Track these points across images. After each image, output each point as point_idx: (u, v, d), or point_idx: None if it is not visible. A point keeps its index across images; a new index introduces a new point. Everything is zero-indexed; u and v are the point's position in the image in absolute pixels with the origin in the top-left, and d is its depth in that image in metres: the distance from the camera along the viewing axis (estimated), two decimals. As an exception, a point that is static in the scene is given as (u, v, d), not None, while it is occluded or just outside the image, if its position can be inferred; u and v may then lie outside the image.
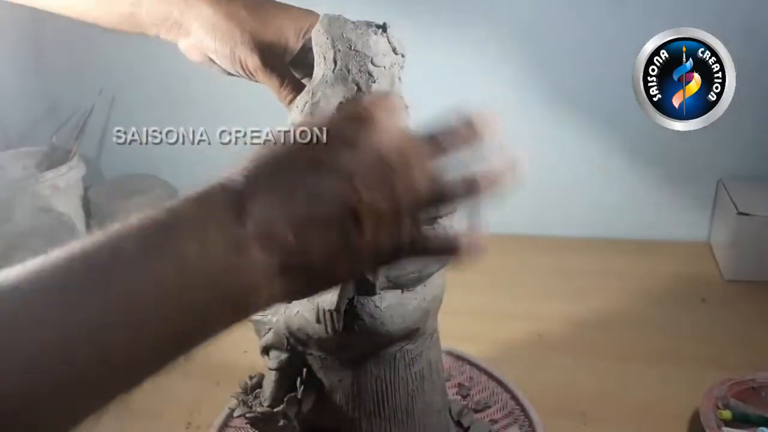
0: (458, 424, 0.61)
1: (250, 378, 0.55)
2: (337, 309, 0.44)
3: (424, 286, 0.49)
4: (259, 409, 0.50)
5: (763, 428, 0.57)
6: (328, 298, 0.45)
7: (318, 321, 0.46)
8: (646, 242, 0.95)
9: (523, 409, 0.62)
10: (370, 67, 0.49)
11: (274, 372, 0.51)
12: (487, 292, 0.85)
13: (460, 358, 0.70)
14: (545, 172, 0.97)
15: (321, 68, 0.47)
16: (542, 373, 0.69)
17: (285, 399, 0.50)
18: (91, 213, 1.01)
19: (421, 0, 0.92)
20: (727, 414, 0.58)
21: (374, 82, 0.48)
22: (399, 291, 0.47)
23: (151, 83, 1.05)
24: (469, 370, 0.69)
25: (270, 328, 0.50)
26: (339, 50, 0.47)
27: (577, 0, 0.88)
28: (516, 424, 0.61)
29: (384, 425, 0.51)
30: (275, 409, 0.50)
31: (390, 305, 0.47)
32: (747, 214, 0.81)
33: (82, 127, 1.02)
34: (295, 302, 0.49)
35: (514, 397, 0.64)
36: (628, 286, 0.84)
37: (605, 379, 0.68)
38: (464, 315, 0.75)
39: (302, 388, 0.50)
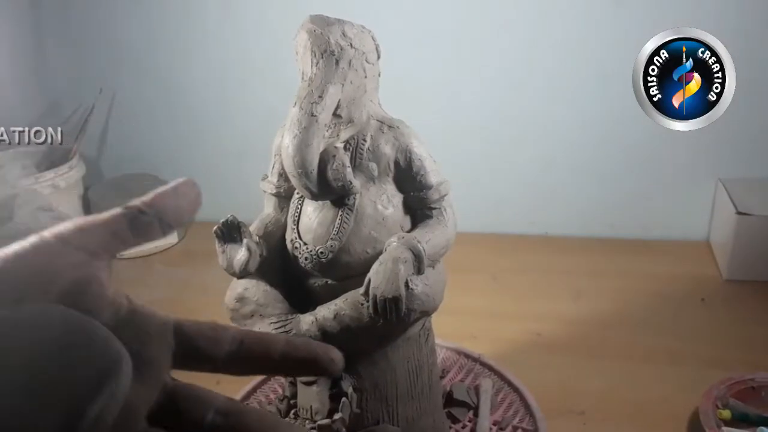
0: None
1: (280, 401, 0.56)
2: (400, 295, 0.45)
3: (433, 268, 0.50)
4: (321, 422, 0.50)
5: (763, 428, 0.57)
6: (383, 287, 0.45)
7: (376, 312, 0.46)
8: (646, 242, 0.95)
9: (528, 408, 0.62)
10: (365, 64, 0.49)
11: (314, 386, 0.51)
12: (486, 292, 0.85)
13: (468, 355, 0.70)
14: (545, 172, 0.97)
15: (320, 68, 0.48)
16: (542, 373, 0.69)
17: (340, 405, 0.49)
18: (91, 213, 1.01)
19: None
20: (726, 413, 0.58)
21: (365, 77, 0.49)
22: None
23: (151, 83, 1.05)
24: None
25: None
26: (341, 48, 0.47)
27: (577, 0, 0.88)
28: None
29: (415, 405, 0.53)
30: (334, 418, 0.50)
31: (432, 281, 0.48)
32: (746, 214, 0.81)
33: (82, 127, 1.02)
34: (329, 305, 0.49)
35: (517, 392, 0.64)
36: (627, 286, 0.84)
37: (605, 379, 0.68)
38: (464, 315, 0.76)
39: (350, 389, 0.50)
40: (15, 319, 0.24)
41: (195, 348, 0.28)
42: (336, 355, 0.29)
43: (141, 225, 0.28)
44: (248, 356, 0.29)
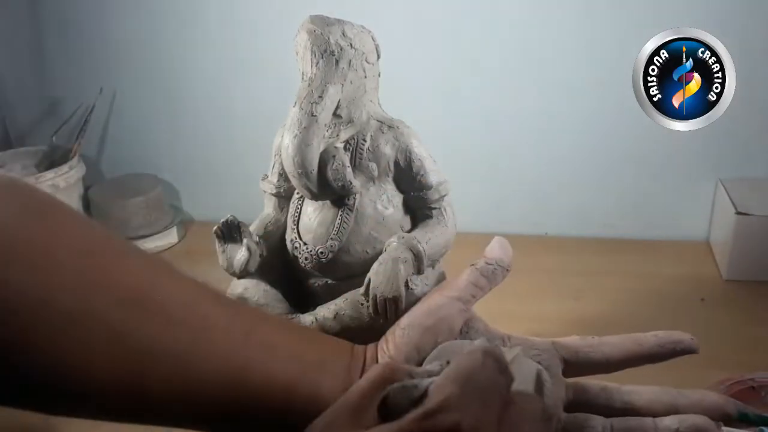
0: None
1: None
2: (400, 295, 0.45)
3: (433, 268, 0.50)
4: None
5: (763, 428, 0.57)
6: (383, 287, 0.45)
7: (376, 312, 0.45)
8: (646, 242, 0.95)
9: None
10: (365, 64, 0.49)
11: None
12: (486, 291, 0.85)
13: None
14: (545, 172, 0.97)
15: (320, 68, 0.48)
16: (542, 373, 0.69)
17: None
18: (91, 213, 1.01)
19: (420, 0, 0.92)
20: (726, 413, 0.58)
21: (365, 77, 0.49)
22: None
23: (152, 83, 1.05)
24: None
25: None
26: (341, 48, 0.47)
27: (577, 0, 0.88)
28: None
29: None
30: None
31: (432, 282, 0.48)
32: (746, 214, 0.81)
33: (82, 127, 1.02)
34: (329, 305, 0.49)
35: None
36: (627, 286, 0.84)
37: (604, 379, 0.68)
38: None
39: None
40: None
41: (581, 355, 0.43)
42: (689, 334, 0.40)
43: (491, 274, 0.42)
44: (626, 355, 0.43)
